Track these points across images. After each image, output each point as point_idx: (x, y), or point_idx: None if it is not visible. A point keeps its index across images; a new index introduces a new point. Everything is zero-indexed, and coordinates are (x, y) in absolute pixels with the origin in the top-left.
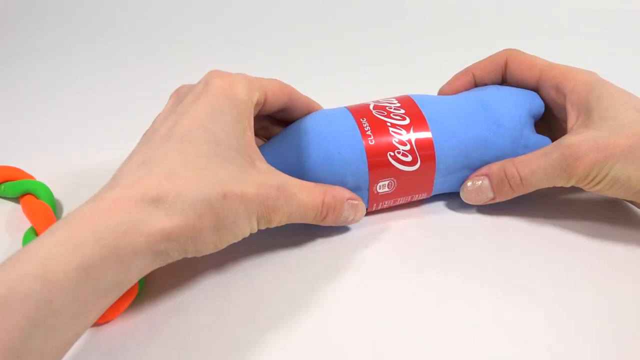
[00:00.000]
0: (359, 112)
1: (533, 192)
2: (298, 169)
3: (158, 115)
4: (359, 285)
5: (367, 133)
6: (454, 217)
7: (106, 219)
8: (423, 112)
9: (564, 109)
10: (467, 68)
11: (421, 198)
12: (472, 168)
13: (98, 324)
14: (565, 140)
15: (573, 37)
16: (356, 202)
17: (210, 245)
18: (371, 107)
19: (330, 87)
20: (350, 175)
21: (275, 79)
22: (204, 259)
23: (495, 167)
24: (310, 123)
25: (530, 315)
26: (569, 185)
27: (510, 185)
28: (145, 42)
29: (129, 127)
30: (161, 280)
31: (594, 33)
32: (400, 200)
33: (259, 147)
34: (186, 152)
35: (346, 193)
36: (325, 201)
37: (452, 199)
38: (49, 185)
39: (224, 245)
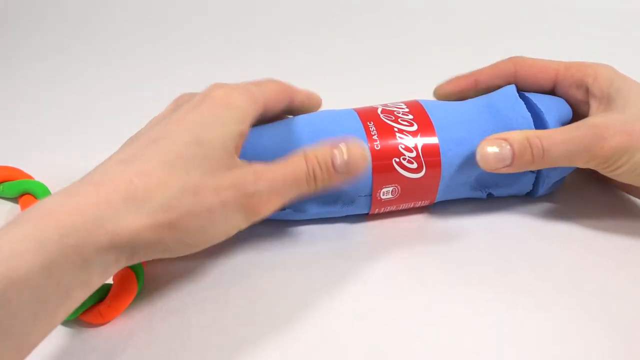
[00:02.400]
0: (367, 115)
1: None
2: None
3: (151, 120)
4: (358, 285)
5: (373, 137)
6: (454, 217)
7: (72, 214)
8: (431, 119)
9: (586, 104)
10: (471, 72)
11: (424, 205)
12: (479, 178)
13: (97, 324)
14: (590, 120)
15: (573, 37)
16: (348, 143)
17: (185, 245)
18: (379, 111)
19: (330, 87)
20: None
21: (276, 82)
22: (203, 259)
23: (517, 134)
24: (313, 122)
25: (531, 316)
26: (586, 166)
27: (533, 154)
28: (145, 42)
29: (129, 127)
30: (160, 280)
31: (594, 33)
32: (403, 206)
33: (254, 128)
34: (164, 152)
35: (327, 142)
36: (308, 159)
37: (452, 199)
38: (47, 186)
39: (205, 245)
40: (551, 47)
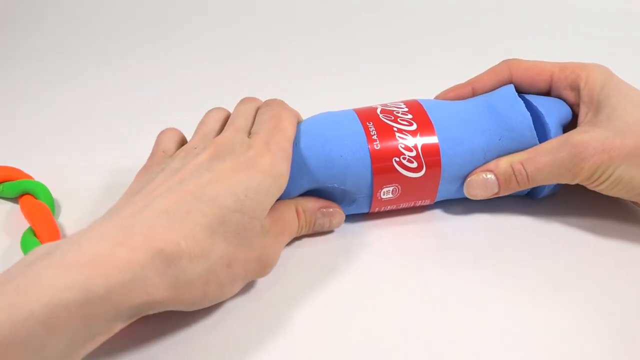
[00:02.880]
0: (366, 116)
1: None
2: (297, 169)
3: (181, 152)
4: (358, 285)
5: (373, 137)
6: (453, 217)
7: (122, 272)
8: (430, 118)
9: (579, 106)
10: (468, 81)
11: (424, 204)
12: None
13: None
14: (572, 137)
15: (573, 37)
16: (330, 209)
17: (198, 306)
18: (378, 111)
19: (330, 87)
20: (351, 179)
21: (289, 113)
22: None
23: (501, 162)
24: (313, 124)
25: (531, 315)
26: (573, 183)
27: (517, 181)
28: (145, 42)
29: (129, 127)
30: None
31: (594, 33)
32: (403, 206)
33: None
34: (210, 215)
35: (317, 203)
36: (299, 217)
37: (449, 198)
38: (47, 186)
39: (213, 303)
40: (551, 47)
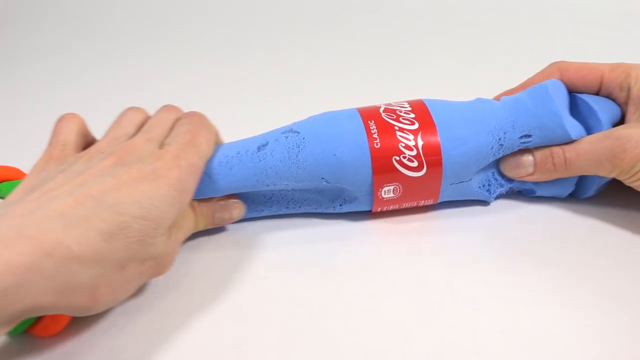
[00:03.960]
0: (368, 114)
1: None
2: (288, 167)
3: (85, 154)
4: (358, 285)
5: (373, 136)
6: (454, 217)
7: (4, 275)
8: (433, 118)
9: (627, 105)
10: (520, 84)
11: (427, 204)
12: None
13: (40, 336)
14: (617, 130)
15: (573, 37)
16: (229, 201)
17: (85, 312)
18: (381, 110)
19: (330, 87)
20: (348, 177)
21: (207, 129)
22: (201, 256)
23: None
24: (313, 124)
25: (531, 316)
26: (610, 176)
27: (553, 164)
28: (145, 42)
29: None
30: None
31: (594, 33)
32: (406, 205)
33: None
34: (108, 221)
35: (215, 197)
36: (196, 212)
37: (453, 199)
38: None
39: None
40: (551, 47)
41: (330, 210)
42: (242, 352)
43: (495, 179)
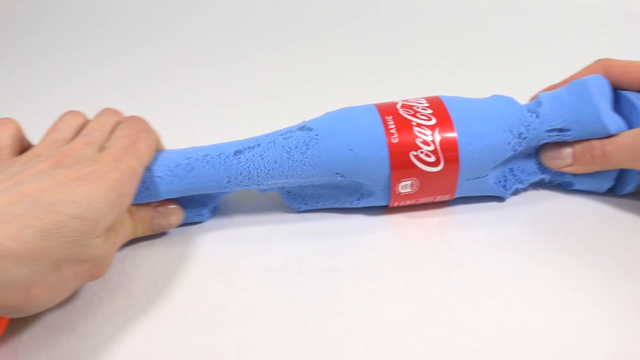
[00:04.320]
0: (386, 110)
1: (532, 192)
2: (288, 166)
3: (22, 157)
4: (358, 285)
5: (391, 131)
6: (454, 217)
7: None
8: (450, 114)
9: None
10: (564, 80)
11: (443, 200)
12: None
13: None
14: None
15: (573, 37)
16: (168, 207)
17: (19, 313)
18: (399, 106)
19: (330, 88)
20: (366, 172)
21: (147, 133)
22: (199, 257)
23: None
24: (331, 119)
25: (531, 316)
26: None
27: (592, 156)
28: (145, 42)
29: None
30: (148, 276)
31: (594, 33)
32: (422, 201)
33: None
34: (45, 220)
35: (151, 203)
36: (134, 217)
37: (454, 199)
38: None
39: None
40: (551, 47)
41: (348, 205)
42: (242, 352)
43: (513, 175)
